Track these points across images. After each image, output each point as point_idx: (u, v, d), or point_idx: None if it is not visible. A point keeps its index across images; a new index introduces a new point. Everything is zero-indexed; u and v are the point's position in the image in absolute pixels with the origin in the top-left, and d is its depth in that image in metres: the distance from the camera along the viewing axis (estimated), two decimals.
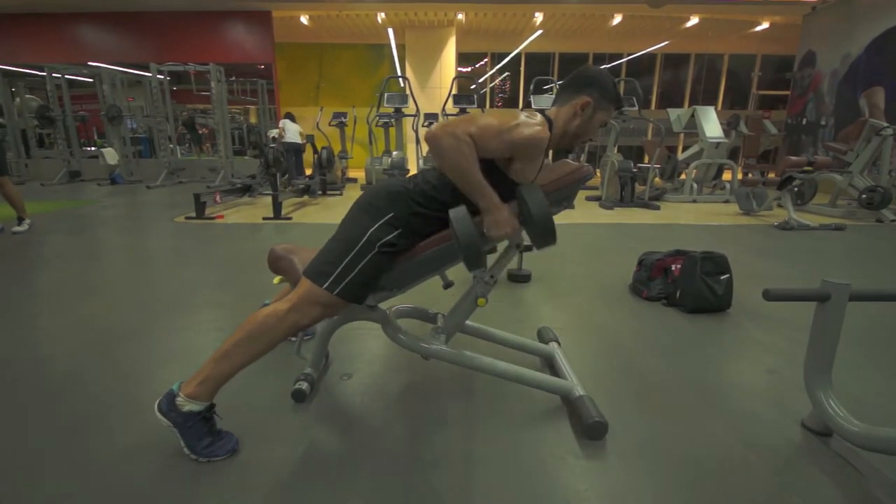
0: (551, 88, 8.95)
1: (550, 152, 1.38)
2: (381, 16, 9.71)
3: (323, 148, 7.10)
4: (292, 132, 7.93)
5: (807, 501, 1.06)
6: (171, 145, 9.03)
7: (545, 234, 1.19)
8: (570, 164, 1.34)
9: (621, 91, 7.84)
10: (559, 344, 1.73)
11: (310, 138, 7.60)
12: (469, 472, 1.15)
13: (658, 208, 5.70)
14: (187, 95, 11.76)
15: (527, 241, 1.29)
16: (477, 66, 12.56)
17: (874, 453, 1.17)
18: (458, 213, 1.14)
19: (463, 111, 7.48)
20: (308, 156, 7.78)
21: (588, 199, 6.49)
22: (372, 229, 1.19)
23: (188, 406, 1.13)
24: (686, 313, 2.22)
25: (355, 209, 1.27)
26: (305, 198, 6.27)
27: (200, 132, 11.23)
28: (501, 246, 1.55)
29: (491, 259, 1.37)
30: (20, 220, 3.97)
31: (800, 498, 1.07)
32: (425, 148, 7.88)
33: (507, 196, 1.22)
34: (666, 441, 1.27)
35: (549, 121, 1.27)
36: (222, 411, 1.25)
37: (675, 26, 10.33)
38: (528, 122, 1.18)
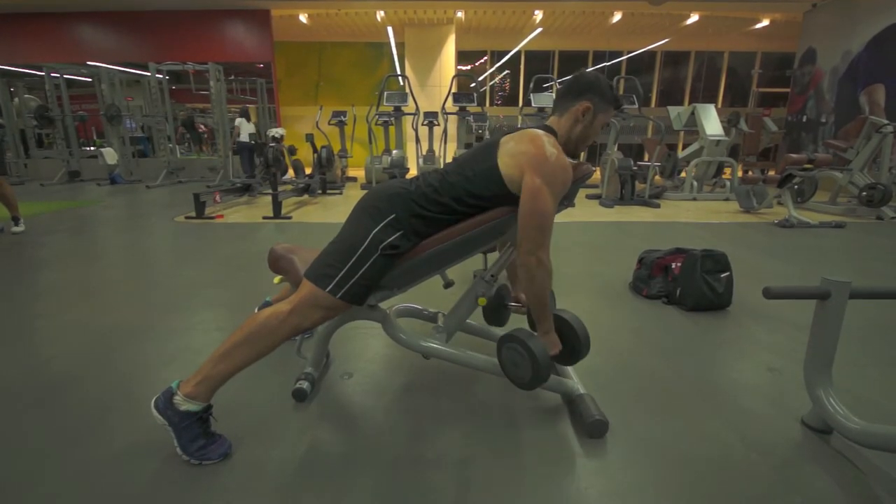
0: (551, 87, 8.94)
1: None
2: (380, 14, 9.69)
3: (322, 147, 7.09)
4: (245, 131, 8.14)
5: (806, 499, 1.07)
6: (171, 145, 9.02)
7: (586, 351, 1.39)
8: (571, 163, 1.34)
9: (621, 89, 7.85)
10: None
11: (309, 137, 7.60)
12: (470, 470, 1.15)
13: (658, 206, 5.70)
14: (186, 95, 11.74)
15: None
16: (476, 64, 12.54)
17: (874, 450, 1.18)
18: (538, 341, 1.23)
19: (463, 109, 7.47)
20: (308, 155, 7.79)
21: (588, 197, 6.48)
22: (374, 231, 1.19)
23: (185, 405, 1.13)
24: (686, 311, 2.23)
25: (357, 212, 1.27)
26: (305, 197, 6.27)
27: (201, 132, 11.24)
28: (501, 246, 1.55)
29: (491, 258, 1.37)
30: (16, 221, 3.97)
31: (799, 495, 1.08)
32: (425, 147, 7.89)
33: (500, 202, 1.23)
34: (666, 439, 1.28)
35: (552, 132, 1.27)
36: (222, 410, 1.25)
37: (675, 24, 10.31)
38: (561, 166, 1.18)
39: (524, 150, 1.18)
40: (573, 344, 1.37)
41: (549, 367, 1.21)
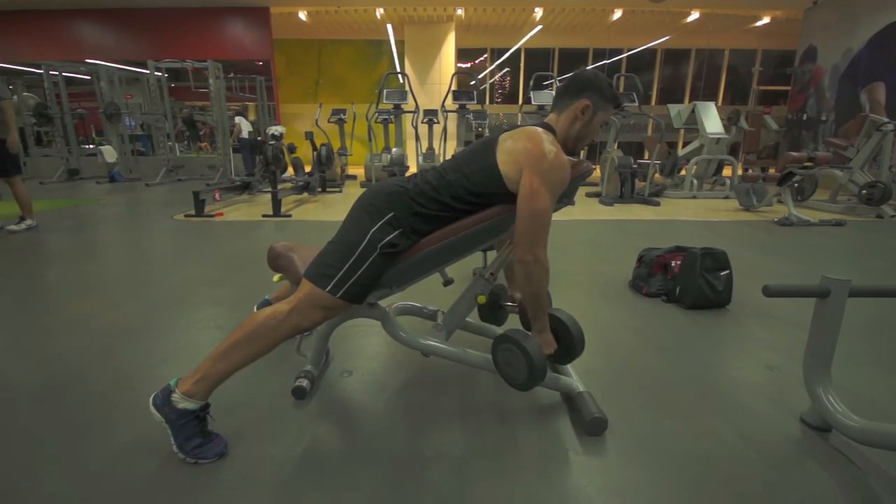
0: (551, 84, 8.93)
1: None
2: (379, 11, 9.66)
3: (322, 145, 7.08)
4: (246, 129, 8.40)
5: (805, 496, 1.07)
6: (170, 143, 9.01)
7: (580, 350, 1.40)
8: (570, 161, 1.34)
9: (621, 87, 7.84)
10: None
11: (309, 135, 7.60)
12: (469, 468, 1.15)
13: (658, 204, 5.70)
14: (185, 92, 11.72)
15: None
16: (476, 61, 12.52)
17: (872, 448, 1.18)
18: (532, 341, 1.24)
19: (462, 107, 7.45)
20: (307, 152, 7.79)
21: (588, 195, 6.48)
22: (373, 230, 1.19)
23: (183, 404, 1.13)
24: (686, 310, 2.23)
25: (355, 210, 1.27)
26: (305, 195, 6.26)
27: (200, 130, 11.23)
28: (500, 244, 1.55)
29: (491, 256, 1.37)
30: (20, 220, 3.96)
31: (798, 493, 1.08)
32: (424, 144, 7.88)
33: (500, 199, 1.22)
34: (665, 436, 1.28)
35: (550, 129, 1.27)
36: (222, 408, 1.25)
37: (676, 21, 10.28)
38: (560, 164, 1.18)
39: (522, 148, 1.18)
40: (568, 343, 1.39)
41: (544, 368, 1.21)
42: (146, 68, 8.32)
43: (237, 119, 8.32)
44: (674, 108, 7.48)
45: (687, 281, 2.24)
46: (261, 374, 1.52)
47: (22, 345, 1.85)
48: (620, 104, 1.37)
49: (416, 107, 7.48)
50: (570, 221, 4.53)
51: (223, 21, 9.31)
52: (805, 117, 8.81)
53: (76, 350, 1.78)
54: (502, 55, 12.17)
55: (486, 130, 7.37)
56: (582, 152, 8.31)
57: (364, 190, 1.34)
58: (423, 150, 7.81)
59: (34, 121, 8.73)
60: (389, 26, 10.40)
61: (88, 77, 9.42)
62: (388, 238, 1.19)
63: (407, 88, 7.50)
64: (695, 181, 6.59)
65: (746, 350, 1.84)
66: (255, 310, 1.89)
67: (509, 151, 1.19)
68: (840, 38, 7.97)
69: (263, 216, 4.74)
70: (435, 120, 7.71)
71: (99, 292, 2.47)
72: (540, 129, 1.23)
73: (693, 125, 6.90)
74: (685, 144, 7.72)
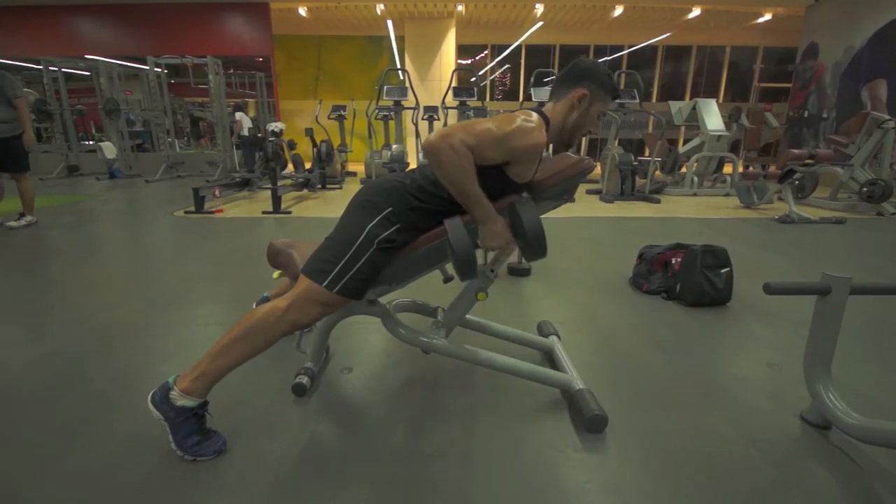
0: (552, 81, 8.90)
1: (550, 146, 1.37)
2: (380, 7, 9.62)
3: (322, 141, 7.07)
4: (246, 126, 8.43)
5: (805, 494, 1.07)
6: (170, 139, 8.99)
7: (537, 249, 1.19)
8: (571, 158, 1.33)
9: (622, 84, 7.80)
10: (559, 338, 1.73)
11: (309, 131, 7.58)
12: (469, 465, 1.15)
13: (658, 202, 5.69)
14: (185, 88, 11.69)
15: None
16: (477, 58, 12.47)
17: (872, 446, 1.18)
18: (453, 224, 1.15)
19: (463, 104, 7.43)
20: (307, 149, 7.78)
21: (588, 192, 6.47)
22: (370, 225, 1.19)
23: (181, 401, 1.13)
24: (686, 307, 2.22)
25: (353, 206, 1.26)
26: (305, 191, 6.25)
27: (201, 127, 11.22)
28: None
29: (491, 254, 1.37)
30: (20, 216, 3.95)
31: (798, 490, 1.08)
32: None
33: (504, 192, 1.22)
34: (666, 434, 1.28)
35: (545, 118, 1.25)
36: (222, 405, 1.25)
37: (677, 18, 10.24)
38: (526, 126, 1.16)
39: (498, 125, 1.15)
40: (525, 239, 1.20)
41: (466, 256, 1.14)
42: (146, 64, 8.29)
43: (238, 115, 8.31)
44: (675, 105, 7.46)
45: (687, 278, 2.24)
46: (260, 370, 1.52)
47: (21, 341, 1.85)
48: (618, 95, 1.35)
49: (417, 103, 7.46)
50: (570, 218, 4.53)
51: (223, 17, 9.27)
52: (806, 114, 8.78)
53: (75, 347, 1.78)
54: (503, 52, 12.12)
55: None
56: (583, 149, 8.29)
57: (362, 186, 1.33)
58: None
59: (34, 117, 8.70)
60: (390, 22, 10.36)
61: (88, 73, 9.39)
62: (385, 234, 1.19)
63: (407, 85, 7.48)
64: (695, 178, 6.58)
65: (747, 347, 1.84)
66: (254, 307, 1.89)
67: (498, 149, 1.17)
68: (841, 35, 7.94)
69: (263, 213, 4.73)
70: (435, 116, 7.69)
71: (98, 289, 2.47)
72: (518, 112, 1.21)
73: (694, 122, 6.88)
74: (686, 141, 7.70)
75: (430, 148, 1.11)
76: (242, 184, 5.84)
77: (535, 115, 1.22)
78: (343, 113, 8.11)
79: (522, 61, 12.29)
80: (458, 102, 7.44)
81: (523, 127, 1.15)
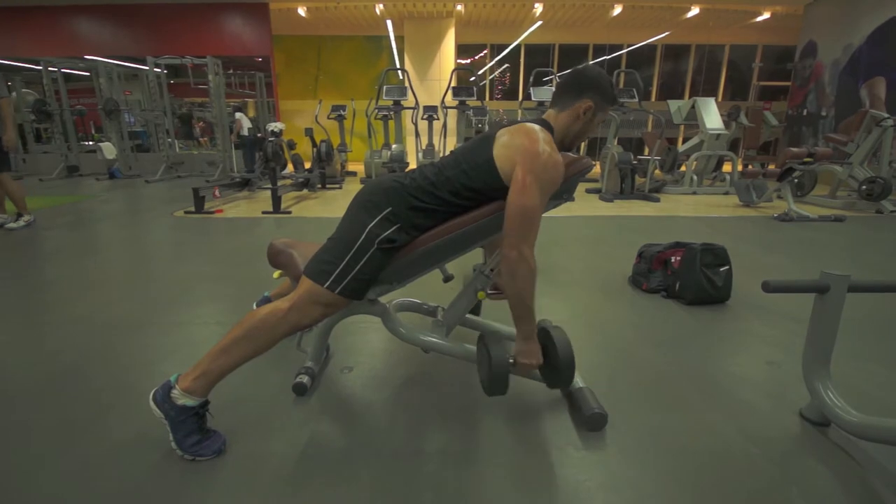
0: (551, 80, 8.89)
1: None
2: (379, 7, 9.61)
3: (322, 141, 7.06)
4: (246, 126, 8.48)
5: (805, 491, 1.07)
6: (170, 139, 8.99)
7: (566, 379, 1.24)
8: (570, 157, 1.33)
9: (621, 83, 7.80)
10: None
11: (308, 131, 7.58)
12: (470, 463, 1.16)
13: (658, 200, 5.69)
14: (185, 89, 11.68)
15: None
16: (476, 57, 12.47)
17: (871, 443, 1.18)
18: (497, 348, 1.18)
19: (462, 103, 7.43)
20: (307, 149, 7.78)
21: (588, 191, 6.47)
22: (370, 225, 1.19)
23: (182, 400, 1.13)
24: (686, 305, 2.23)
25: (353, 207, 1.27)
26: (305, 191, 6.25)
27: (200, 126, 11.21)
28: (492, 247, 1.55)
29: (490, 255, 1.37)
30: (17, 216, 3.95)
31: (798, 488, 1.08)
32: (424, 141, 7.86)
33: (504, 192, 1.22)
34: (665, 432, 1.28)
35: (548, 127, 1.27)
36: (223, 404, 1.26)
37: (676, 17, 10.24)
38: (551, 161, 1.15)
39: (518, 144, 1.17)
40: (554, 363, 1.23)
41: (503, 378, 1.16)
42: (145, 64, 8.29)
43: (238, 115, 8.32)
44: (674, 104, 7.45)
45: (687, 277, 2.25)
46: (261, 370, 1.52)
47: (21, 341, 1.85)
48: (617, 102, 1.37)
49: (416, 103, 7.46)
50: (569, 217, 4.53)
51: (222, 17, 9.26)
52: (805, 113, 8.78)
53: (76, 346, 1.79)
54: (502, 51, 12.12)
55: (486, 127, 7.35)
56: (582, 148, 8.29)
57: (362, 186, 1.34)
58: (423, 147, 7.79)
59: (33, 117, 8.70)
60: (389, 22, 10.36)
61: (87, 73, 9.38)
62: (385, 233, 1.19)
63: (407, 85, 7.48)
64: (695, 177, 6.58)
65: (746, 345, 1.85)
66: (254, 306, 1.89)
67: (505, 146, 1.19)
68: (840, 33, 7.94)
69: (263, 213, 4.73)
70: (435, 116, 7.69)
71: (98, 289, 2.47)
72: (537, 127, 1.22)
73: (693, 121, 6.88)
74: (685, 140, 7.69)
75: (515, 261, 1.12)
76: (242, 184, 5.84)
77: (547, 136, 1.20)
78: (343, 113, 8.11)
79: (522, 60, 12.29)
80: (457, 102, 7.44)
81: (548, 163, 1.15)
